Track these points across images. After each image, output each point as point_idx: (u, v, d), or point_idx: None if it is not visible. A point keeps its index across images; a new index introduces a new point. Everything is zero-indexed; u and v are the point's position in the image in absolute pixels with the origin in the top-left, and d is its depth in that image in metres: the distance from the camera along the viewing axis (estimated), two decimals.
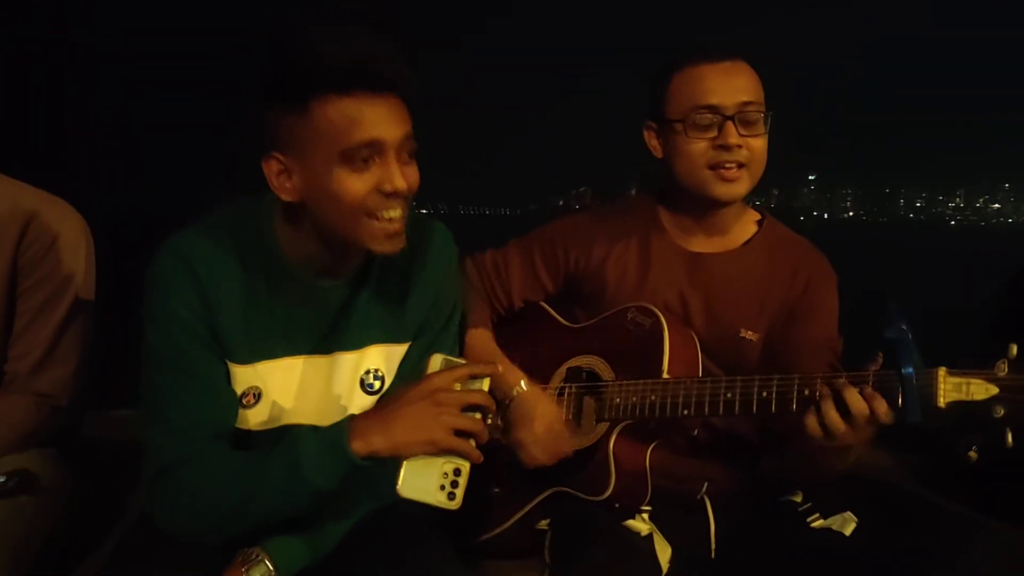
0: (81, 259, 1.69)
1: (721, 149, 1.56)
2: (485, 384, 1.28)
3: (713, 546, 1.61)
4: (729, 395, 1.44)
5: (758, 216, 1.73)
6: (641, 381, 1.53)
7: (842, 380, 1.33)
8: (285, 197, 1.28)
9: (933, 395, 1.26)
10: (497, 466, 1.67)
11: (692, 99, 1.58)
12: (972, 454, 1.46)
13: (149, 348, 1.30)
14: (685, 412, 1.48)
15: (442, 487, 1.22)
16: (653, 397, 1.51)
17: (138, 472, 1.33)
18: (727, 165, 1.56)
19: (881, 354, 1.33)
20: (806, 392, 1.36)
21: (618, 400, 1.55)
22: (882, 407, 1.30)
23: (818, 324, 1.64)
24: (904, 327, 1.28)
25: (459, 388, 1.26)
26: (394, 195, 1.25)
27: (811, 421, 1.34)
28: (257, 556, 1.28)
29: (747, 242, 1.70)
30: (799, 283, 1.66)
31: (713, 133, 1.56)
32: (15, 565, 1.41)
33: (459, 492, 1.22)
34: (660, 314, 1.58)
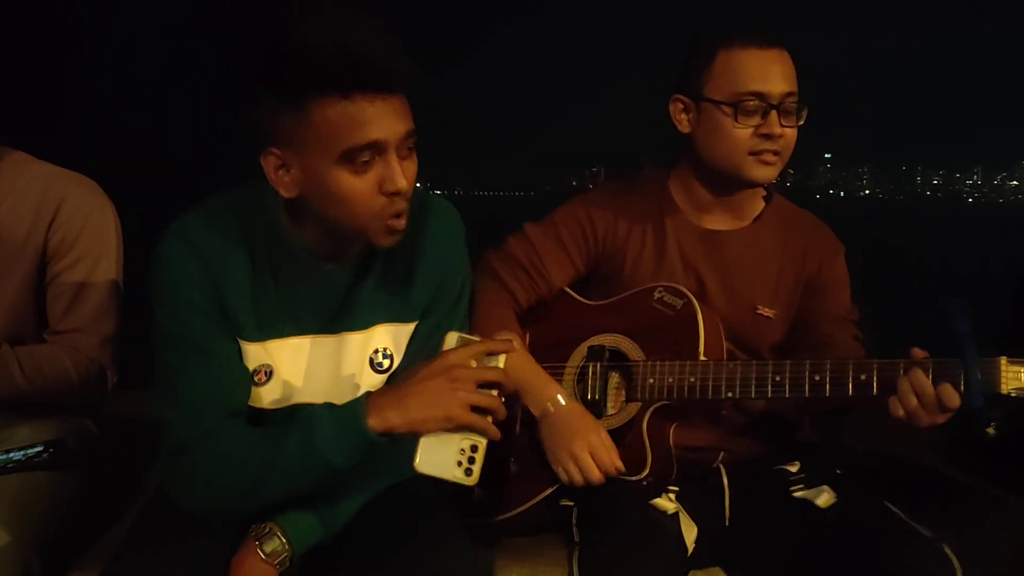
0: (112, 238, 1.72)
1: (764, 137, 1.56)
2: (501, 361, 1.27)
3: (727, 514, 1.61)
4: (778, 378, 1.44)
5: (763, 191, 1.73)
6: (678, 362, 1.53)
7: (905, 365, 1.34)
8: (285, 193, 1.26)
9: (996, 383, 1.29)
10: (521, 446, 1.66)
11: (742, 83, 1.56)
12: (991, 430, 1.47)
13: (159, 329, 1.31)
14: (729, 394, 1.48)
15: (459, 463, 1.22)
16: (692, 379, 1.51)
17: (154, 450, 1.35)
18: (767, 152, 1.57)
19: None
20: (863, 377, 1.37)
21: (652, 380, 1.54)
22: (947, 392, 1.31)
23: (836, 298, 1.67)
24: (966, 318, 1.31)
25: (475, 365, 1.26)
26: (396, 194, 1.24)
27: (895, 405, 1.35)
28: (270, 531, 1.29)
29: (757, 218, 1.70)
30: (812, 261, 1.68)
31: (757, 120, 1.56)
32: (34, 540, 1.43)
33: (476, 468, 1.23)
34: (691, 295, 1.58)
